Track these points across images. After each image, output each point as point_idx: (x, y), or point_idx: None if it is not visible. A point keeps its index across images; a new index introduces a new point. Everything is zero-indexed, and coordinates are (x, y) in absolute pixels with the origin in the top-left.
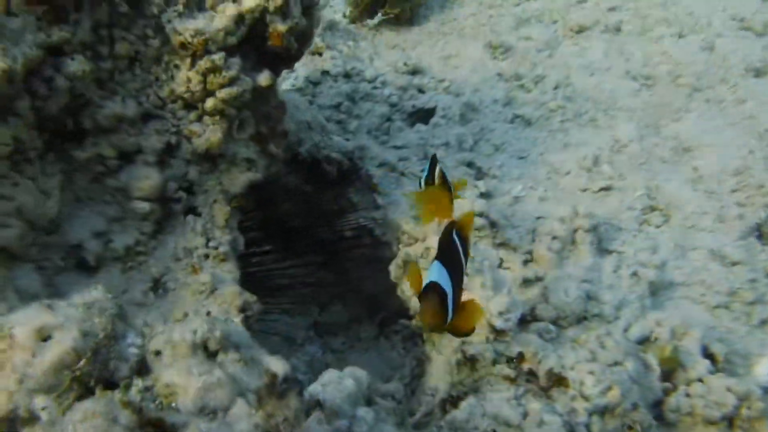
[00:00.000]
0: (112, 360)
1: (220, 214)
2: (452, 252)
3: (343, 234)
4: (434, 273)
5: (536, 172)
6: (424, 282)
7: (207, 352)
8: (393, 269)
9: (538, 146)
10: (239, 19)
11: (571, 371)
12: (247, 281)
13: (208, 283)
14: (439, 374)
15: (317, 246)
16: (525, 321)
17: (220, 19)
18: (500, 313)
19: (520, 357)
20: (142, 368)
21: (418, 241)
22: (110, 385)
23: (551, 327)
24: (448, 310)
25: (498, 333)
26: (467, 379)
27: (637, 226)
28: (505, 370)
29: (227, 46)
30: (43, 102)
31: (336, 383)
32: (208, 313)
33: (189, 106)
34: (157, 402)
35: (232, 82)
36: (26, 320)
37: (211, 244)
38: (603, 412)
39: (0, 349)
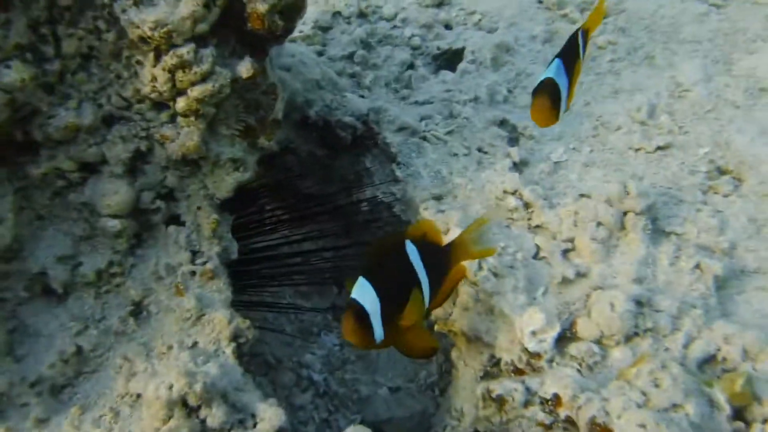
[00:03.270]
0: None
1: (206, 222)
2: None
3: (360, 208)
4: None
5: (580, 127)
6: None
7: (187, 408)
8: None
9: (583, 94)
10: (209, 0)
11: (618, 420)
12: (262, 258)
13: (193, 308)
14: (465, 394)
15: (335, 215)
16: (564, 338)
17: (186, 4)
18: (534, 333)
19: (556, 400)
20: None
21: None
22: None
23: (595, 348)
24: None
25: (531, 355)
26: (495, 417)
27: (701, 196)
28: (539, 414)
29: (197, 36)
30: None
31: None
32: (195, 345)
33: (159, 104)
34: None
35: (205, 77)
36: None
37: (197, 259)
38: None
39: None
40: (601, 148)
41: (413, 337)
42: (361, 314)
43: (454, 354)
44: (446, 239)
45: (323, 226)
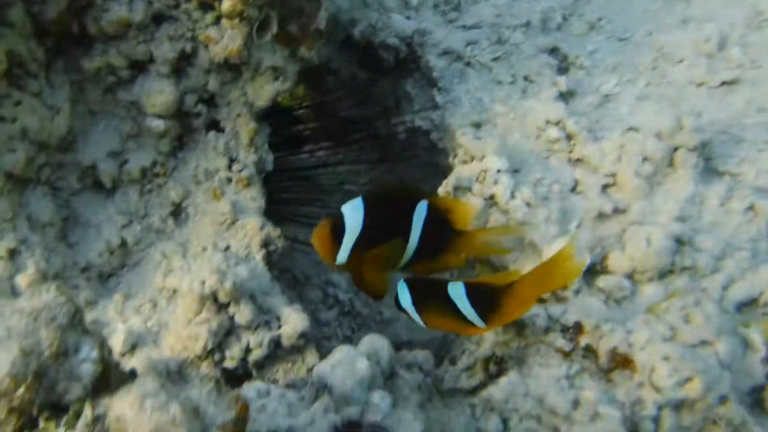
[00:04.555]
0: (62, 380)
1: (244, 130)
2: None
3: (397, 133)
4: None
5: (639, 59)
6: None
7: (217, 303)
8: (440, 193)
9: (646, 22)
10: None
11: (641, 352)
12: (295, 179)
13: (228, 212)
14: None
15: (372, 140)
16: (593, 270)
17: None
18: None
19: (578, 328)
20: (99, 386)
21: (474, 160)
22: (58, 410)
23: (625, 282)
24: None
25: None
26: (513, 342)
27: (766, 136)
28: (559, 341)
29: None
30: (39, 6)
31: (348, 364)
32: (227, 248)
33: (205, 5)
34: None
35: None
36: None
37: (234, 166)
38: (678, 406)
39: None
40: (658, 82)
41: (369, 276)
42: (336, 231)
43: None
44: (480, 166)
45: (359, 150)
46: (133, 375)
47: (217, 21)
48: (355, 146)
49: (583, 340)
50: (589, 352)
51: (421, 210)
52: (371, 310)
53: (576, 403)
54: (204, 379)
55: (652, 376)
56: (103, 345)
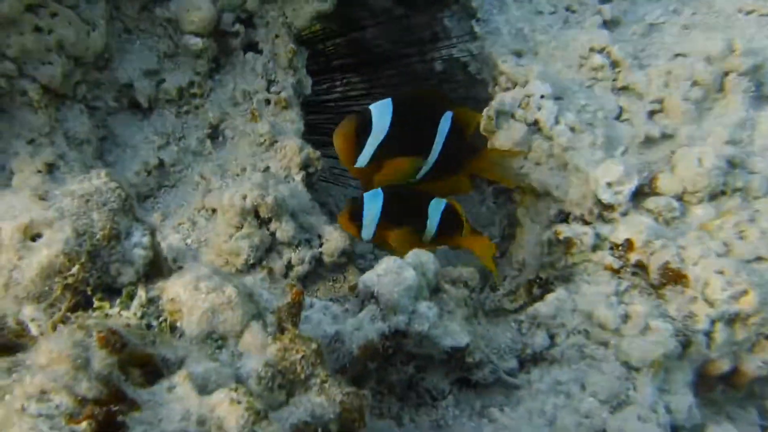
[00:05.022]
0: (114, 263)
1: (283, 51)
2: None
3: (433, 67)
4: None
5: None
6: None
7: (258, 218)
8: (484, 120)
9: None
10: None
11: (693, 267)
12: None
13: (267, 134)
14: (529, 247)
15: (407, 76)
16: (641, 193)
17: None
18: (609, 184)
19: (628, 245)
20: (151, 272)
21: (517, 86)
22: (111, 292)
23: (674, 203)
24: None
25: (605, 208)
26: (559, 262)
27: None
28: (608, 258)
29: None
30: None
31: (395, 273)
32: (267, 169)
33: None
34: (161, 320)
35: None
36: (14, 211)
37: (272, 87)
38: (732, 320)
39: None
40: (705, 11)
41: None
42: (361, 130)
43: (520, 212)
44: (523, 92)
45: (393, 85)
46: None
47: None
48: (389, 80)
49: (633, 257)
50: (640, 268)
51: (445, 122)
52: None
53: (626, 318)
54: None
55: (705, 291)
56: (153, 232)
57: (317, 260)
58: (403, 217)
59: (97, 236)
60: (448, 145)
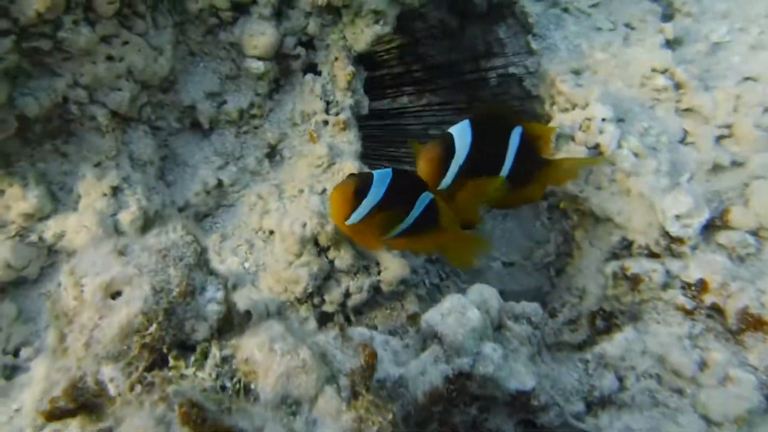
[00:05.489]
0: (189, 320)
1: (342, 73)
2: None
3: (488, 80)
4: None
5: (751, 7)
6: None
7: (317, 246)
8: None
9: None
10: None
11: None
12: (376, 127)
13: (324, 155)
14: (589, 273)
15: (460, 87)
16: (713, 226)
17: None
18: (678, 217)
19: (702, 285)
20: (224, 327)
21: (576, 108)
22: (185, 349)
23: (749, 239)
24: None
25: (673, 240)
26: (625, 297)
27: None
28: (680, 297)
29: None
30: None
31: (459, 313)
32: (324, 191)
33: None
34: (234, 380)
35: None
36: (96, 268)
37: (330, 109)
38: None
39: (73, 298)
40: None
41: (464, 204)
42: (446, 154)
43: (578, 234)
44: (583, 114)
45: (447, 97)
46: (248, 315)
47: None
48: (443, 92)
49: (708, 299)
50: (715, 311)
51: (515, 137)
52: None
53: (702, 365)
54: (328, 325)
55: None
56: (227, 286)
57: (375, 288)
58: (397, 204)
59: (174, 293)
60: (520, 159)
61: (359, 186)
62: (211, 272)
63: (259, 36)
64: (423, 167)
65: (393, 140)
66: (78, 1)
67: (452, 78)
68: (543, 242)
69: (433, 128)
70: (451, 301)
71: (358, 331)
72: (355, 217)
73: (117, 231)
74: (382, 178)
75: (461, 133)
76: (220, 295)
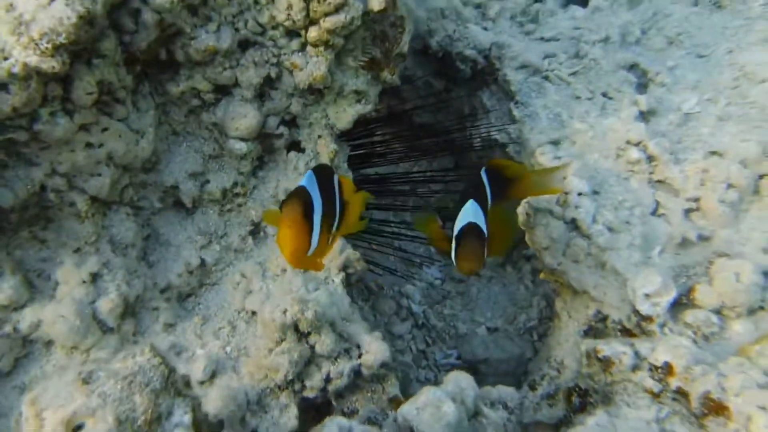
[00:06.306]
0: None
1: (325, 151)
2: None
3: (472, 143)
4: (470, 213)
5: (719, 77)
6: (459, 224)
7: (298, 333)
8: (521, 214)
9: (727, 40)
10: None
11: (735, 398)
12: (367, 181)
13: None
14: (567, 346)
15: (446, 146)
16: (680, 303)
17: None
18: (647, 296)
19: (668, 368)
20: None
21: None
22: None
23: (713, 318)
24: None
25: (642, 318)
26: (598, 377)
27: None
28: (647, 380)
29: None
30: (130, 36)
31: (434, 407)
32: (306, 270)
33: (291, 32)
34: None
35: (338, 9)
36: (59, 399)
37: None
38: None
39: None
40: (740, 102)
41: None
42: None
43: (558, 304)
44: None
45: (433, 158)
46: (220, 425)
47: (302, 48)
48: (429, 154)
49: (674, 383)
50: (680, 395)
51: (483, 175)
52: (446, 324)
53: None
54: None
55: (749, 426)
56: (194, 409)
57: (356, 372)
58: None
59: (139, 422)
60: (494, 189)
61: (305, 205)
62: (179, 393)
63: (241, 118)
64: (472, 267)
65: (377, 207)
66: (55, 94)
67: (438, 141)
68: (526, 306)
69: (421, 186)
70: (426, 395)
71: (337, 422)
72: (314, 239)
73: (95, 319)
74: (309, 182)
75: (473, 208)
76: (187, 419)
